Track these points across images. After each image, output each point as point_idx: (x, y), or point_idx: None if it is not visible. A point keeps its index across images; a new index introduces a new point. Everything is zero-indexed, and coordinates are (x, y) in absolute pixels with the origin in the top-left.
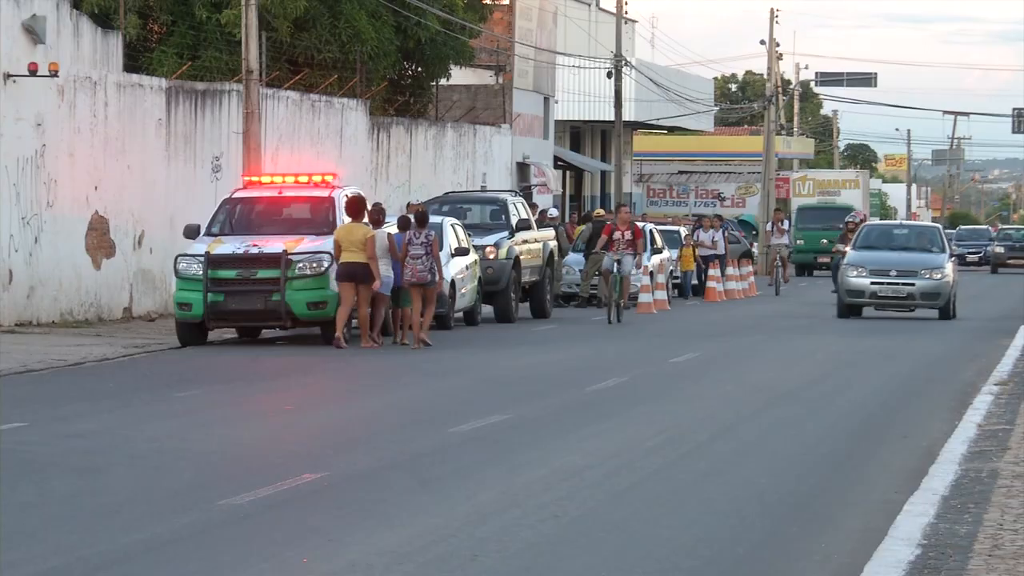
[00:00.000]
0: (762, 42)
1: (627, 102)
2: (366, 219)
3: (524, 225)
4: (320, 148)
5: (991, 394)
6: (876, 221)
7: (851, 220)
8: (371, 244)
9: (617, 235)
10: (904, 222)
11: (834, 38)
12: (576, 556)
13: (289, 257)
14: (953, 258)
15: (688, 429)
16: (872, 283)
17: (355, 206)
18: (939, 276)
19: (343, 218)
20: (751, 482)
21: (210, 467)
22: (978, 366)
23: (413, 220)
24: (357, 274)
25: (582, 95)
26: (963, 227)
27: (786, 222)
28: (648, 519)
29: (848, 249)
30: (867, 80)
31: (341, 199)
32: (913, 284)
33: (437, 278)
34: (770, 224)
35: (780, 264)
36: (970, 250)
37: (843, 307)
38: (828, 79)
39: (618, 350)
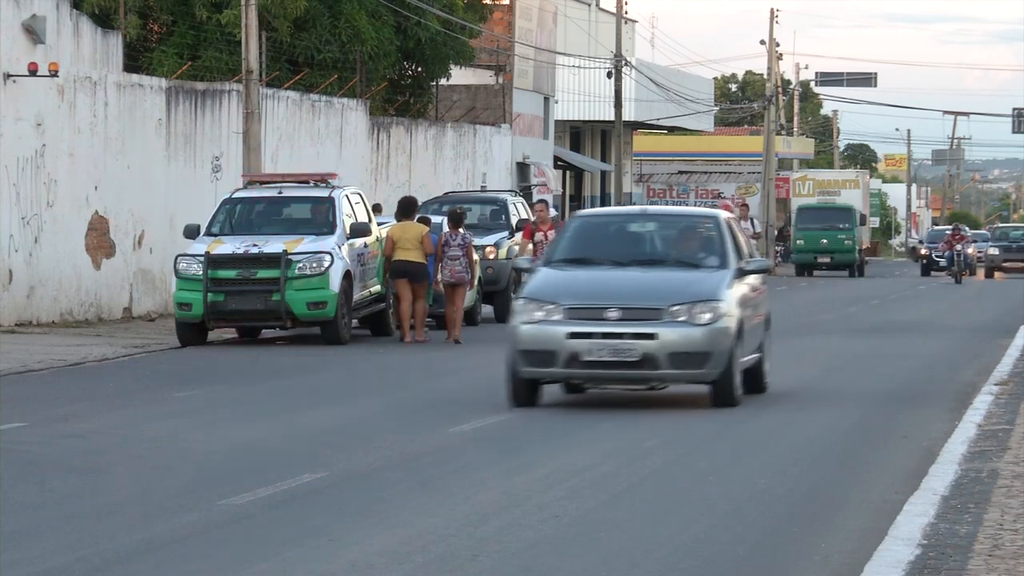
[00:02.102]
0: (762, 42)
1: (627, 102)
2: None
3: (524, 225)
4: (320, 148)
5: (991, 394)
6: (594, 210)
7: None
8: (428, 242)
9: (540, 236)
10: (648, 208)
11: (834, 38)
12: (576, 556)
13: (289, 257)
14: (757, 276)
15: (688, 429)
16: (571, 336)
17: (408, 206)
18: (706, 317)
19: (343, 218)
20: (751, 482)
21: (210, 467)
22: (978, 366)
23: (447, 221)
24: (411, 271)
25: (582, 95)
26: (935, 228)
27: (755, 221)
28: (648, 519)
29: (531, 264)
30: (867, 80)
31: (341, 199)
32: (652, 336)
33: (471, 278)
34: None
35: None
36: (942, 254)
37: (517, 385)
38: (828, 79)
39: None
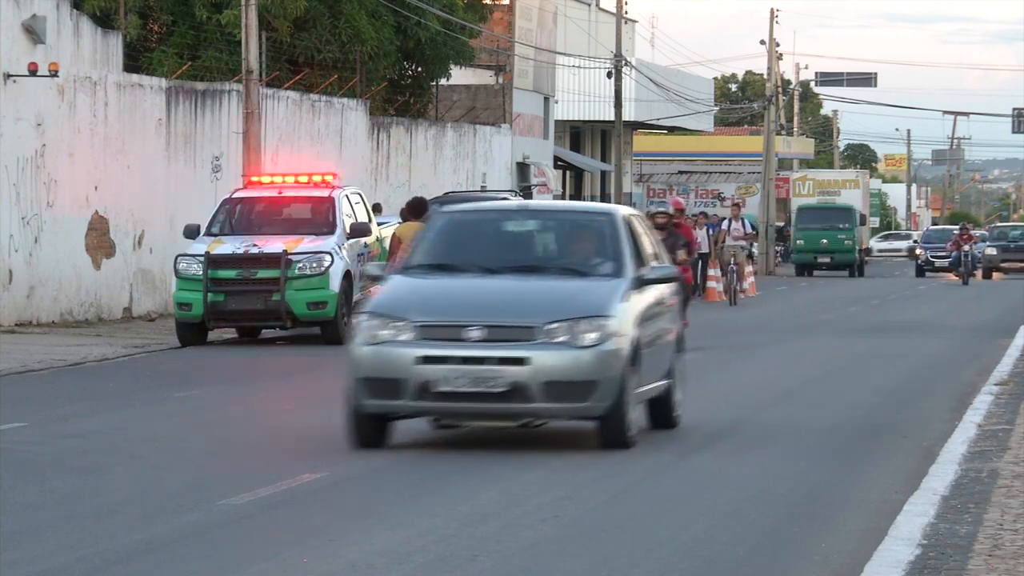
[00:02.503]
0: (762, 42)
1: (627, 102)
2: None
3: None
4: (320, 148)
5: (991, 394)
6: (464, 205)
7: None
8: None
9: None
10: (530, 203)
11: (834, 38)
12: (576, 556)
13: (289, 257)
14: (663, 286)
15: (688, 429)
16: (422, 360)
17: (418, 206)
18: (591, 337)
19: (343, 218)
20: (751, 482)
21: (210, 467)
22: (978, 366)
23: None
24: None
25: (582, 95)
26: (931, 228)
27: (747, 221)
28: (648, 519)
29: (382, 271)
30: (867, 80)
31: (341, 199)
32: (523, 361)
33: None
34: (727, 221)
35: (735, 268)
36: (940, 255)
37: (358, 421)
38: (828, 79)
39: None
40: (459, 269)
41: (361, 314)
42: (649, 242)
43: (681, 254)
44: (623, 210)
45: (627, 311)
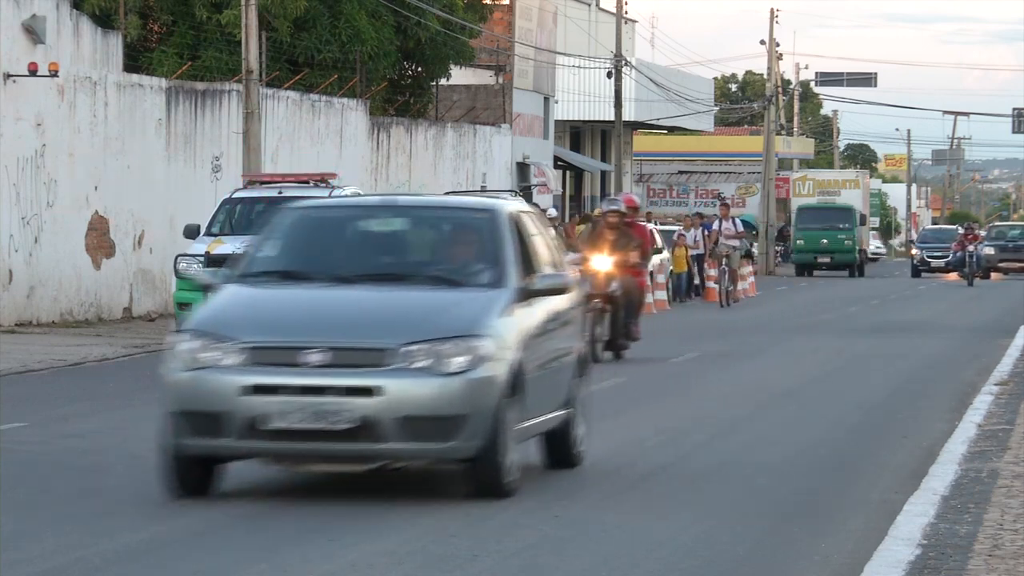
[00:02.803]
0: (762, 42)
1: (627, 102)
2: None
3: None
4: (320, 148)
5: (991, 394)
6: (319, 200)
7: None
8: None
9: None
10: (398, 198)
11: (834, 38)
12: (576, 556)
13: None
14: (559, 297)
15: (688, 429)
16: (250, 390)
17: None
18: (459, 362)
19: None
20: (751, 482)
21: None
22: (978, 366)
23: None
24: None
25: (582, 95)
26: (927, 228)
27: (737, 220)
28: (648, 519)
29: (213, 279)
30: (867, 80)
31: None
32: (374, 391)
33: None
34: (717, 221)
35: (727, 270)
36: (936, 255)
37: (176, 464)
38: (828, 79)
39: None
40: (307, 277)
41: (181, 332)
42: (545, 245)
43: (633, 256)
44: (511, 206)
45: (507, 329)
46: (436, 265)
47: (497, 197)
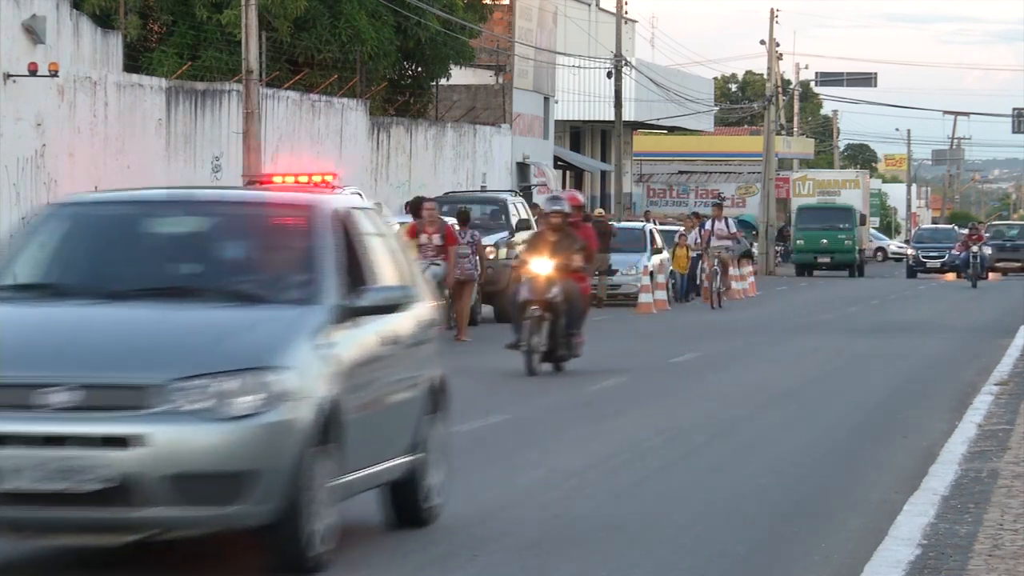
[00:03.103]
0: (762, 42)
1: (627, 102)
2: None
3: (524, 225)
4: (320, 148)
5: (991, 394)
6: (95, 195)
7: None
8: (451, 233)
9: (424, 238)
10: (195, 192)
11: (834, 38)
12: (576, 556)
13: None
14: (400, 315)
15: (688, 429)
16: None
17: (414, 206)
18: (245, 404)
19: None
20: (751, 482)
21: None
22: (978, 366)
23: (456, 219)
24: None
25: (582, 95)
26: (923, 227)
27: (730, 221)
28: (648, 519)
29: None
30: (867, 80)
31: None
32: (133, 441)
33: (478, 275)
34: (709, 222)
35: (718, 270)
36: (932, 255)
37: None
38: (828, 79)
39: (618, 350)
40: (71, 293)
41: None
42: (387, 251)
43: (576, 259)
44: (338, 201)
45: (317, 358)
46: (236, 276)
47: (497, 198)
